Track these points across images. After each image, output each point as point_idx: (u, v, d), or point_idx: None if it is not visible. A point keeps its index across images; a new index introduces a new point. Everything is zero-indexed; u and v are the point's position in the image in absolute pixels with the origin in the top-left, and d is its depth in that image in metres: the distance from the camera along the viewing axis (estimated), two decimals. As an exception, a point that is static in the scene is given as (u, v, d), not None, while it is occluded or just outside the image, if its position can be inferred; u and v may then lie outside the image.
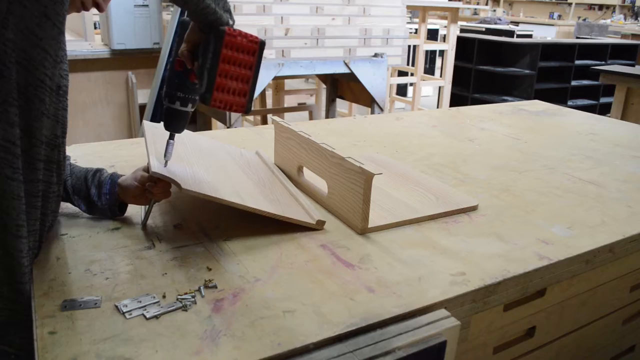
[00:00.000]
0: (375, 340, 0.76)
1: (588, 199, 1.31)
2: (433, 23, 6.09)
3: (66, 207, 1.09)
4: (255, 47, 0.91)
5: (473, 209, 1.21)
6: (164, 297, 0.82)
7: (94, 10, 0.93)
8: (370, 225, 1.07)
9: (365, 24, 2.97)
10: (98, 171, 1.06)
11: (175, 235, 1.02)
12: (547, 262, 0.99)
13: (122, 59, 3.23)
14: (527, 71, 5.15)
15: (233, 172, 1.21)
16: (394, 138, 1.79)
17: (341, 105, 4.12)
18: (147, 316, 0.77)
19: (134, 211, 1.11)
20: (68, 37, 3.32)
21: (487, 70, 5.27)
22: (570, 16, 12.22)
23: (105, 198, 1.03)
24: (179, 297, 0.82)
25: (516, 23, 9.13)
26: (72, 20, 4.12)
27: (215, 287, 0.86)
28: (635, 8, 12.00)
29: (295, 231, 1.06)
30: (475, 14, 11.26)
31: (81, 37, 3.24)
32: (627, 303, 1.26)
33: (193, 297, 0.82)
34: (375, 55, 3.01)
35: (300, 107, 4.10)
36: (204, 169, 1.12)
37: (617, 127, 2.12)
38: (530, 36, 5.88)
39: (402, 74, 4.80)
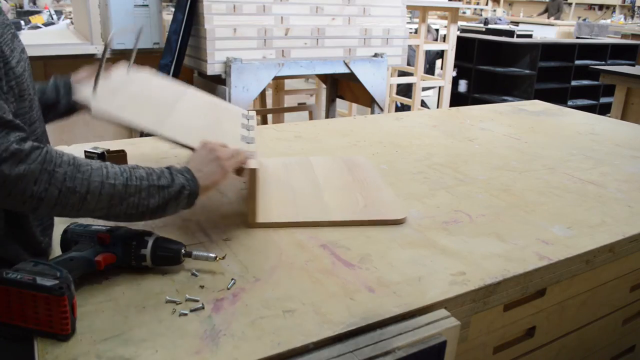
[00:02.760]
0: (375, 340, 0.76)
1: (588, 199, 1.31)
2: (433, 23, 6.09)
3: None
4: None
5: (397, 222, 1.11)
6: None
7: (96, 11, 0.93)
8: (263, 220, 1.08)
9: (365, 24, 2.97)
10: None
11: (175, 235, 1.02)
12: (547, 262, 0.99)
13: (122, 59, 3.23)
14: (527, 71, 5.15)
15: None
16: (394, 138, 1.79)
17: (341, 105, 4.12)
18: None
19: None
20: (75, 39, 3.32)
21: (487, 70, 5.27)
22: (570, 16, 12.22)
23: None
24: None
25: (516, 23, 9.13)
26: (79, 23, 4.12)
27: (235, 282, 0.87)
28: (635, 8, 12.00)
29: (296, 231, 1.06)
30: (476, 13, 11.27)
31: (87, 41, 3.25)
32: (627, 303, 1.26)
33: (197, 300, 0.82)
34: (375, 55, 3.01)
35: (300, 107, 4.10)
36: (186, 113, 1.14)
37: (617, 127, 2.12)
38: (530, 36, 5.88)
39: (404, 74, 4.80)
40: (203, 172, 0.92)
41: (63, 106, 1.11)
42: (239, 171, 1.00)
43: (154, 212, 0.85)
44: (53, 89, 1.09)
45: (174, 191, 0.86)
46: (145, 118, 1.02)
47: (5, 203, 0.74)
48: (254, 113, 1.37)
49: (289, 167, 1.39)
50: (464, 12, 10.78)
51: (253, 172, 1.03)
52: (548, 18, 10.63)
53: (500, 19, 8.56)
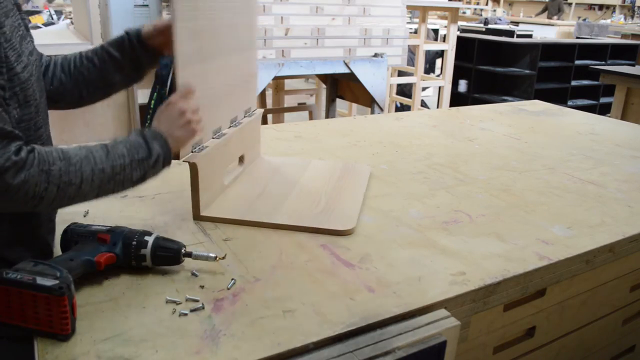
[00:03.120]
0: (375, 340, 0.76)
1: (588, 199, 1.31)
2: (433, 23, 6.09)
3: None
4: None
5: (339, 233, 1.06)
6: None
7: (96, 11, 0.94)
8: (206, 214, 1.09)
9: (365, 24, 2.97)
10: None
11: (175, 235, 1.02)
12: (547, 262, 0.99)
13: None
14: (527, 71, 5.16)
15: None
16: (394, 138, 1.79)
17: (341, 105, 4.12)
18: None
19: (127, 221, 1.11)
20: (75, 39, 3.32)
21: (487, 70, 5.28)
22: (570, 16, 12.22)
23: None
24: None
25: (516, 23, 9.13)
26: (79, 23, 4.12)
27: (235, 282, 0.87)
28: (635, 8, 12.00)
29: (295, 231, 1.07)
30: (476, 13, 11.26)
31: (87, 40, 3.25)
32: (627, 303, 1.26)
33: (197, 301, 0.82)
34: (375, 55, 3.01)
35: (300, 107, 4.10)
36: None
37: (617, 127, 2.12)
38: (530, 36, 5.88)
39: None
40: (174, 137, 0.95)
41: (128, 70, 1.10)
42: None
43: (136, 183, 0.90)
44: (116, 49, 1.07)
45: (152, 162, 0.90)
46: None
47: (8, 207, 0.77)
48: (259, 112, 1.38)
49: (281, 167, 1.38)
50: (464, 12, 10.78)
51: (194, 166, 1.04)
52: (548, 18, 10.64)
53: (500, 19, 8.56)
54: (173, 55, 0.98)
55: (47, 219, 0.93)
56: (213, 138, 1.15)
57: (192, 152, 1.06)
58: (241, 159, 1.31)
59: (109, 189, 0.86)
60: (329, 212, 1.13)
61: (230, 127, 1.24)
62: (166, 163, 0.93)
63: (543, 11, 11.28)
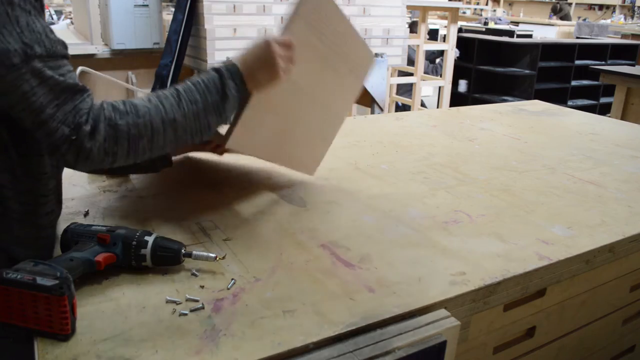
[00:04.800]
0: (375, 340, 0.76)
1: (588, 199, 1.31)
2: (433, 23, 6.09)
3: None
4: None
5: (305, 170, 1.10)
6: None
7: (96, 11, 0.94)
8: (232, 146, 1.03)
9: (365, 24, 2.97)
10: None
11: (175, 235, 1.02)
12: (547, 262, 0.99)
13: (122, 59, 3.23)
14: (527, 71, 5.16)
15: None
16: (394, 138, 1.79)
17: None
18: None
19: (128, 220, 1.11)
20: (75, 39, 3.32)
21: (487, 70, 5.27)
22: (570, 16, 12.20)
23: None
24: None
25: (516, 23, 9.12)
26: (79, 23, 4.12)
27: (235, 281, 0.87)
28: (635, 8, 12.00)
29: (295, 231, 1.07)
30: (476, 13, 11.27)
31: (87, 40, 3.25)
32: (627, 303, 1.26)
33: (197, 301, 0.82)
34: (375, 55, 3.01)
35: (300, 107, 4.10)
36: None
37: (617, 127, 2.12)
38: (530, 36, 5.88)
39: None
40: (256, 77, 0.92)
41: None
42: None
43: (214, 126, 0.90)
44: None
45: (228, 105, 0.89)
46: None
47: (86, 163, 0.79)
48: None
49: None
50: (464, 12, 10.78)
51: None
52: (561, 18, 10.58)
53: (500, 19, 8.56)
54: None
55: (49, 224, 0.93)
56: None
57: None
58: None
59: (186, 135, 0.86)
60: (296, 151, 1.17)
61: None
62: (243, 101, 0.92)
63: (557, 12, 11.14)
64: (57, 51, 0.76)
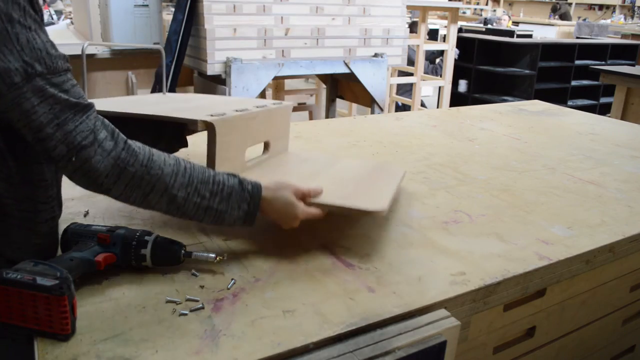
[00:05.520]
0: (375, 340, 0.76)
1: (588, 199, 1.31)
2: (433, 23, 6.09)
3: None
4: None
5: (373, 213, 0.99)
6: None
7: (96, 11, 0.94)
8: None
9: (365, 24, 2.97)
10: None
11: (175, 235, 1.02)
12: (547, 262, 0.99)
13: (122, 59, 3.24)
14: (527, 71, 5.16)
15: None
16: (394, 138, 1.79)
17: (341, 105, 4.12)
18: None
19: (133, 214, 1.11)
20: (75, 39, 3.32)
21: (487, 70, 5.27)
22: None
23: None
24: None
25: (516, 23, 9.12)
26: (79, 23, 4.12)
27: (234, 282, 0.87)
28: (635, 8, 12.00)
29: (295, 231, 1.06)
30: (476, 13, 11.26)
31: (87, 39, 3.25)
32: (627, 303, 1.26)
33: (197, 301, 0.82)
34: (375, 55, 3.01)
35: (300, 107, 4.10)
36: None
37: (617, 127, 2.12)
38: (530, 36, 5.88)
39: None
40: (272, 216, 0.94)
41: None
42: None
43: (205, 222, 0.89)
44: None
45: (228, 219, 0.89)
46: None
47: (82, 182, 0.79)
48: (287, 104, 1.34)
49: (309, 158, 1.34)
50: (464, 12, 10.78)
51: (212, 127, 1.02)
52: (561, 18, 10.56)
53: (499, 18, 8.55)
54: None
55: (50, 230, 0.92)
56: (236, 111, 1.13)
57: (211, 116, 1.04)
58: (266, 146, 1.27)
59: (175, 214, 0.87)
60: (359, 195, 1.06)
61: (257, 107, 1.22)
62: (247, 224, 0.92)
63: (556, 11, 11.10)
64: (58, 67, 0.76)
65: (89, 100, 0.79)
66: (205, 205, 0.87)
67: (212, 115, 1.05)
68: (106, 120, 0.81)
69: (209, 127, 1.03)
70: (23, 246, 0.82)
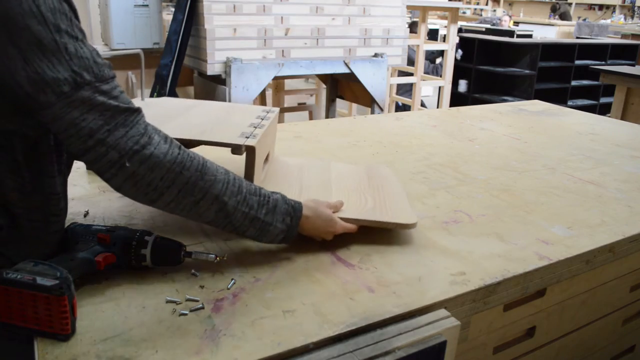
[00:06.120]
0: (375, 340, 0.76)
1: (588, 199, 1.31)
2: (433, 23, 6.09)
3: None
4: None
5: (406, 227, 1.05)
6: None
7: (96, 11, 0.94)
8: None
9: (365, 24, 2.97)
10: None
11: (175, 235, 1.02)
12: (547, 262, 0.99)
13: (122, 59, 3.23)
14: (527, 71, 5.15)
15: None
16: (394, 138, 1.79)
17: (341, 105, 4.12)
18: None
19: (132, 215, 1.11)
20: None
21: (487, 70, 5.27)
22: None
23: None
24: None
25: (516, 23, 9.12)
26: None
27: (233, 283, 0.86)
28: (635, 8, 12.00)
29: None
30: (476, 13, 11.26)
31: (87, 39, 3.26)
32: (627, 303, 1.26)
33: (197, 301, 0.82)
34: (375, 55, 3.01)
35: (300, 107, 4.10)
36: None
37: (617, 127, 2.12)
38: (530, 36, 5.88)
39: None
40: (310, 231, 0.96)
41: None
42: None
43: (249, 237, 0.91)
44: None
45: (272, 232, 0.91)
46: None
47: (131, 190, 0.79)
48: (276, 109, 1.34)
49: (303, 167, 1.35)
50: (464, 12, 10.78)
51: (252, 150, 1.03)
52: (561, 18, 10.55)
53: (499, 19, 8.55)
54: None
55: (57, 241, 0.91)
56: (255, 127, 1.14)
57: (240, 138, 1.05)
58: (266, 158, 1.28)
59: (221, 224, 0.87)
60: (383, 207, 1.11)
61: (262, 118, 1.22)
62: (284, 241, 0.94)
63: (556, 10, 11.08)
64: (105, 74, 0.76)
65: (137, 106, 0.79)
66: (252, 216, 0.87)
67: (247, 137, 1.06)
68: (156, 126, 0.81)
69: (248, 150, 1.04)
70: (32, 255, 0.82)
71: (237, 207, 0.86)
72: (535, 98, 3.19)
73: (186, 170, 0.80)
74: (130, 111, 0.78)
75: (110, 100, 0.76)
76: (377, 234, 1.07)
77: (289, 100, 4.21)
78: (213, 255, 0.89)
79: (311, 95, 4.43)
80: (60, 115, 0.73)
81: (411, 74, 4.14)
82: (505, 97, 5.17)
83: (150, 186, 0.78)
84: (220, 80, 2.69)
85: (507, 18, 8.22)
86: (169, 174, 0.78)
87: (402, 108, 4.75)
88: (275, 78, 2.93)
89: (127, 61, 3.27)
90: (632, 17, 11.74)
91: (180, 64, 2.78)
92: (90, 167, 0.79)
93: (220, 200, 0.84)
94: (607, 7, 12.71)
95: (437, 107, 4.43)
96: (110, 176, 0.77)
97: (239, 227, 0.88)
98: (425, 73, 4.41)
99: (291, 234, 0.93)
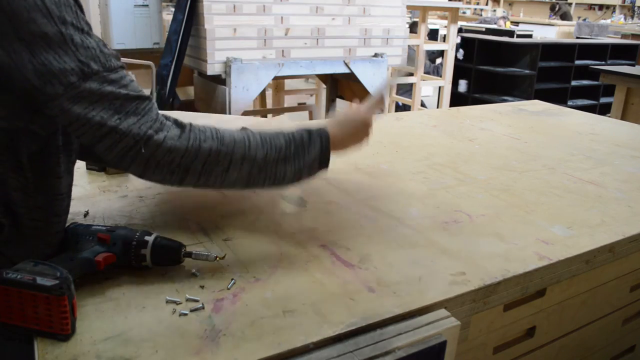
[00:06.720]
0: (375, 340, 0.76)
1: (588, 199, 1.31)
2: (433, 23, 6.09)
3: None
4: None
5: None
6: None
7: (96, 11, 0.95)
8: None
9: (365, 24, 2.97)
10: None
11: (175, 235, 1.02)
12: (547, 262, 0.99)
13: (122, 59, 3.24)
14: (527, 71, 5.16)
15: None
16: (394, 138, 1.79)
17: (341, 105, 4.12)
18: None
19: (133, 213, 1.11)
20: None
21: (487, 70, 5.28)
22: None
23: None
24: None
25: (516, 23, 9.12)
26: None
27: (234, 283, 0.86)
28: (635, 8, 12.00)
29: (295, 231, 1.07)
30: (476, 13, 11.26)
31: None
32: (627, 303, 1.26)
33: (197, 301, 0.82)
34: (375, 55, 3.01)
35: (300, 107, 4.10)
36: None
37: (617, 127, 2.12)
38: (530, 36, 5.88)
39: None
40: (345, 144, 0.94)
41: None
42: None
43: (289, 181, 0.89)
44: None
45: (308, 162, 0.89)
46: None
47: (154, 174, 0.79)
48: None
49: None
50: (464, 12, 10.78)
51: None
52: (562, 18, 10.54)
53: (499, 18, 8.55)
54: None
55: (58, 242, 0.91)
56: None
57: None
58: None
59: (259, 179, 0.85)
60: None
61: None
62: (324, 164, 0.92)
63: (556, 11, 11.06)
64: (113, 64, 0.77)
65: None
66: (284, 156, 0.86)
67: None
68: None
69: None
70: (32, 255, 0.82)
71: (267, 156, 0.84)
72: (535, 98, 3.19)
73: (204, 142, 0.79)
74: (141, 99, 0.77)
75: (120, 89, 0.76)
76: (377, 234, 1.07)
77: (289, 100, 4.21)
78: (213, 255, 0.89)
79: (311, 95, 4.43)
80: (69, 106, 0.73)
81: (411, 74, 4.14)
82: (505, 97, 5.17)
83: (174, 163, 0.78)
84: (220, 80, 2.69)
85: (502, 22, 8.18)
86: (188, 151, 0.78)
87: (402, 108, 4.75)
88: (275, 78, 2.93)
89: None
90: (632, 17, 11.74)
91: (180, 64, 2.78)
92: (105, 157, 0.79)
93: (249, 158, 0.82)
94: (607, 7, 12.71)
95: (437, 107, 4.43)
96: (128, 164, 0.77)
97: (276, 176, 0.86)
98: (425, 73, 4.40)
99: (326, 155, 0.91)
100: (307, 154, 0.89)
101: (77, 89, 0.73)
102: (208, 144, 0.80)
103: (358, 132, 0.97)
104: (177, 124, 0.81)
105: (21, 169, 0.79)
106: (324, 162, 0.92)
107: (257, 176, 0.85)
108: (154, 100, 0.80)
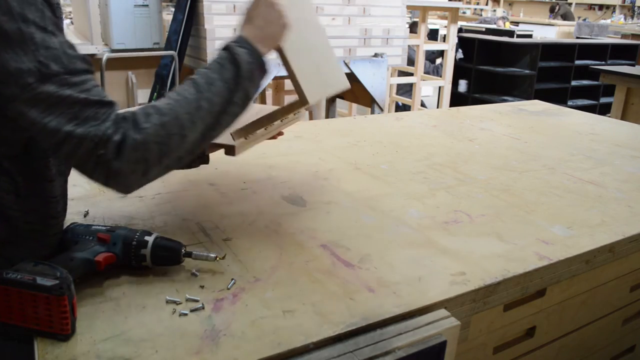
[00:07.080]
0: (375, 340, 0.76)
1: (588, 199, 1.31)
2: (433, 23, 6.09)
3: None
4: None
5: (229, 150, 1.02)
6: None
7: (96, 11, 0.93)
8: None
9: (365, 24, 2.97)
10: None
11: (175, 235, 1.02)
12: (547, 262, 0.99)
13: (122, 59, 3.24)
14: (527, 71, 5.16)
15: None
16: (394, 138, 1.79)
17: (341, 105, 4.12)
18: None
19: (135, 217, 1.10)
20: (75, 40, 3.32)
21: (487, 70, 5.28)
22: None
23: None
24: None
25: (516, 23, 9.12)
26: (79, 23, 4.11)
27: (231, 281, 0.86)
28: (635, 8, 12.00)
29: (295, 231, 1.07)
30: (476, 13, 11.26)
31: (87, 40, 3.25)
32: (627, 303, 1.26)
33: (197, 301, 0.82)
34: (375, 55, 3.01)
35: (300, 107, 4.10)
36: None
37: (617, 127, 2.12)
38: (530, 36, 5.88)
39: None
40: (268, 35, 0.87)
41: None
42: None
43: (243, 105, 0.84)
44: None
45: (245, 73, 0.83)
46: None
47: (117, 185, 0.75)
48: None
49: None
50: (464, 12, 10.78)
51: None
52: (563, 18, 10.54)
53: (499, 18, 8.54)
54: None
55: (57, 242, 0.91)
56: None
57: None
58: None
59: (220, 121, 0.81)
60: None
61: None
62: (261, 70, 0.85)
63: (555, 12, 11.05)
64: (76, 67, 0.72)
65: (111, 99, 0.75)
66: (222, 85, 0.80)
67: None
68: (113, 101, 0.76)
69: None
70: (30, 256, 0.82)
71: (209, 97, 0.79)
72: (535, 98, 3.19)
73: (145, 123, 0.74)
74: (101, 104, 0.72)
75: (79, 94, 0.71)
76: (377, 234, 1.07)
77: (289, 100, 4.20)
78: (213, 255, 0.89)
79: (311, 95, 4.42)
80: (25, 109, 0.69)
81: (411, 74, 4.14)
82: (505, 97, 5.17)
83: (135, 162, 0.73)
84: (220, 80, 2.69)
85: (501, 22, 8.16)
86: (138, 144, 0.73)
87: (402, 108, 4.75)
88: (275, 78, 2.93)
89: (127, 61, 3.27)
90: (632, 17, 11.74)
91: (181, 64, 2.78)
92: (69, 164, 0.76)
93: (193, 109, 0.78)
94: (607, 7, 12.71)
95: (437, 107, 4.43)
96: (91, 170, 0.73)
97: (229, 107, 0.81)
98: (425, 73, 4.40)
99: (259, 61, 0.85)
100: (240, 68, 0.82)
101: (34, 91, 0.68)
102: (149, 122, 0.74)
103: (266, 15, 0.88)
104: (121, 120, 0.74)
105: (10, 175, 0.78)
106: (261, 67, 0.86)
107: (217, 120, 0.80)
108: (117, 107, 0.75)
